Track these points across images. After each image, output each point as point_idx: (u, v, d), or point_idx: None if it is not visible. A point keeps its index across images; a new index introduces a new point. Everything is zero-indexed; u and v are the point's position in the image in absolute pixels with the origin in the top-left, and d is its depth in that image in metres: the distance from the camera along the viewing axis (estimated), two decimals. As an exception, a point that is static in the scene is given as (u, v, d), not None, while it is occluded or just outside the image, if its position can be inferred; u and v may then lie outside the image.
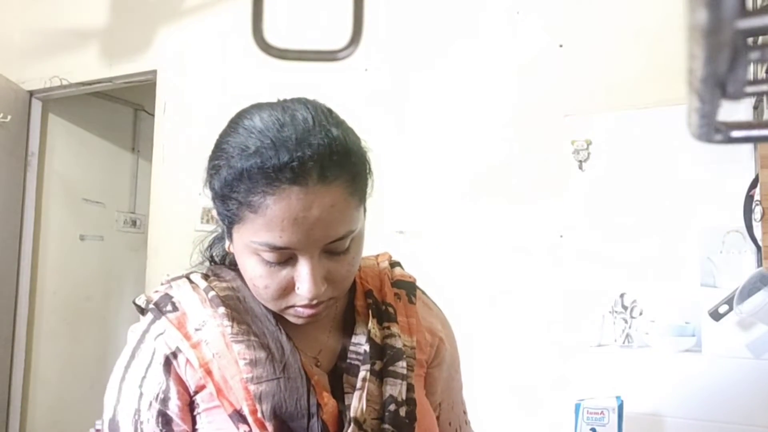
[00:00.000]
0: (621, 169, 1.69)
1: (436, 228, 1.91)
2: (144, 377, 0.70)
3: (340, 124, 0.70)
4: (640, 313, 1.63)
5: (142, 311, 0.76)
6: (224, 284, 0.76)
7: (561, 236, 1.74)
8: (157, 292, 0.77)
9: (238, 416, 0.66)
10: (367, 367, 0.71)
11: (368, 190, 0.71)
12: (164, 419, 0.69)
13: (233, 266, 0.79)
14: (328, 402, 0.69)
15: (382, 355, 0.73)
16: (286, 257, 0.66)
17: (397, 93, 2.04)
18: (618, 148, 1.69)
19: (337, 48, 0.28)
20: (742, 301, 1.44)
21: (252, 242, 0.65)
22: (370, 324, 0.74)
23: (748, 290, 1.44)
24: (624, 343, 1.63)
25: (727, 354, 1.52)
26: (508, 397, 1.75)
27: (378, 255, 0.86)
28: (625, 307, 1.64)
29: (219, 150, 0.71)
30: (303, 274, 0.65)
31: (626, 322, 1.64)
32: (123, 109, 3.43)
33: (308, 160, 0.62)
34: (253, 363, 0.67)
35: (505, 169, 1.84)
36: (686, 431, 1.55)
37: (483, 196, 1.87)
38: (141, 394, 0.70)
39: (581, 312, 1.69)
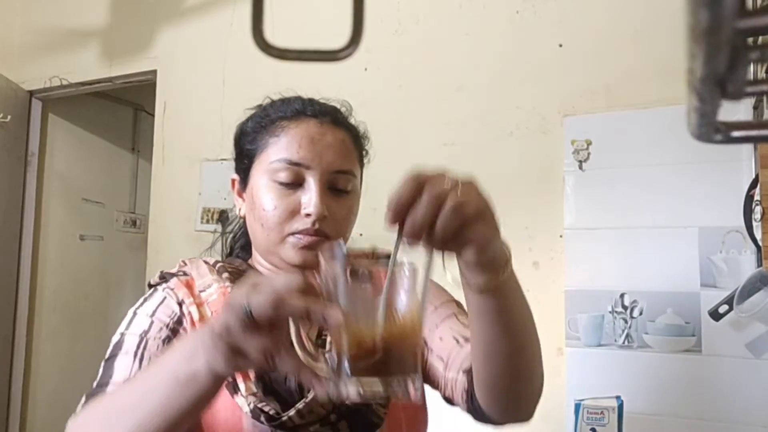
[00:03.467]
0: (621, 169, 1.69)
1: (436, 228, 1.91)
2: (155, 311, 0.78)
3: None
4: (640, 313, 1.63)
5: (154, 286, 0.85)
6: (232, 267, 0.85)
7: (561, 236, 1.75)
8: (173, 270, 0.86)
9: None
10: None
11: (364, 168, 0.87)
12: (171, 343, 0.74)
13: (241, 255, 0.91)
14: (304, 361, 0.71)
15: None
16: (298, 178, 0.77)
17: (397, 93, 2.04)
18: (618, 148, 1.69)
19: (337, 48, 0.28)
20: (742, 301, 1.44)
21: (271, 163, 0.77)
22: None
23: (748, 290, 1.44)
24: (624, 343, 1.64)
25: (726, 354, 1.52)
26: (508, 397, 1.75)
27: (368, 248, 0.89)
28: (625, 307, 1.64)
29: (249, 117, 0.86)
30: (311, 192, 0.76)
31: (626, 322, 1.64)
32: (123, 109, 3.43)
33: (325, 109, 0.84)
34: None
35: (505, 169, 1.84)
36: (686, 431, 1.55)
37: (483, 196, 1.87)
38: (152, 322, 0.76)
39: (581, 312, 1.69)
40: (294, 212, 0.77)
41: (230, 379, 0.71)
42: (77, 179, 3.15)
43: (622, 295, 1.65)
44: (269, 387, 0.72)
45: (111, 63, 2.64)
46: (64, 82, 2.71)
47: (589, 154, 1.73)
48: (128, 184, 3.48)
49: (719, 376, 1.53)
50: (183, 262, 0.86)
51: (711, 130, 0.24)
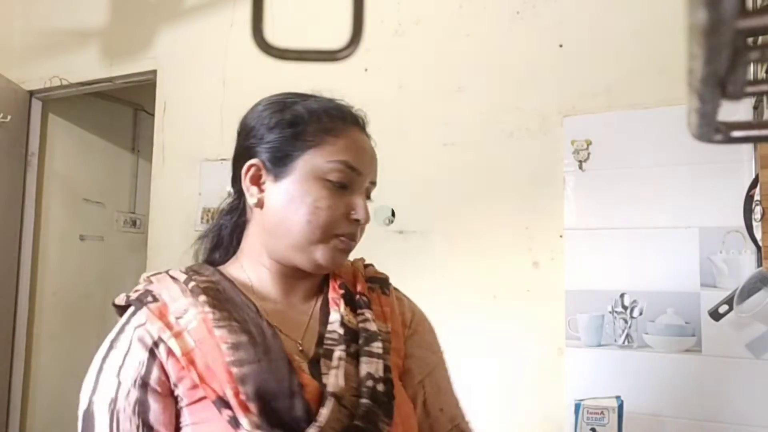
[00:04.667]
0: (621, 169, 1.69)
1: (436, 228, 1.91)
2: (122, 366, 0.70)
3: None
4: (640, 313, 1.63)
5: (123, 310, 0.77)
6: (203, 278, 0.78)
7: (561, 236, 1.75)
8: (136, 290, 0.78)
9: (222, 402, 0.67)
10: (342, 347, 0.74)
11: None
12: (142, 408, 0.68)
13: (211, 264, 0.85)
14: (309, 383, 0.70)
15: (357, 338, 0.76)
16: (350, 183, 0.79)
17: (397, 93, 2.04)
18: (618, 148, 1.69)
19: (337, 48, 0.28)
20: (742, 301, 1.44)
21: (329, 162, 0.77)
22: (342, 310, 0.78)
23: (748, 290, 1.44)
24: (624, 343, 1.64)
25: (726, 354, 1.52)
26: (508, 397, 1.75)
27: (353, 260, 0.90)
28: (625, 307, 1.64)
29: (273, 109, 0.85)
30: (360, 199, 0.79)
31: (626, 322, 1.64)
32: (123, 109, 3.43)
33: (364, 120, 0.88)
34: (235, 347, 0.69)
35: (506, 169, 1.84)
36: (686, 431, 1.55)
37: (483, 195, 1.87)
38: (119, 383, 0.69)
39: (581, 312, 1.69)
40: (344, 215, 0.78)
41: (230, 414, 0.66)
42: (77, 179, 3.15)
43: (622, 295, 1.65)
44: (274, 418, 0.66)
45: (111, 63, 2.64)
46: (64, 82, 2.72)
47: (589, 154, 1.73)
48: (128, 184, 3.48)
49: (719, 376, 1.53)
50: (148, 279, 0.79)
51: (711, 130, 0.24)
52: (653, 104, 1.66)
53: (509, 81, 1.87)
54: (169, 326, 0.71)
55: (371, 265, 0.92)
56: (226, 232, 0.87)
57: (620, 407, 1.37)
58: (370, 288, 0.85)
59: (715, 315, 1.54)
